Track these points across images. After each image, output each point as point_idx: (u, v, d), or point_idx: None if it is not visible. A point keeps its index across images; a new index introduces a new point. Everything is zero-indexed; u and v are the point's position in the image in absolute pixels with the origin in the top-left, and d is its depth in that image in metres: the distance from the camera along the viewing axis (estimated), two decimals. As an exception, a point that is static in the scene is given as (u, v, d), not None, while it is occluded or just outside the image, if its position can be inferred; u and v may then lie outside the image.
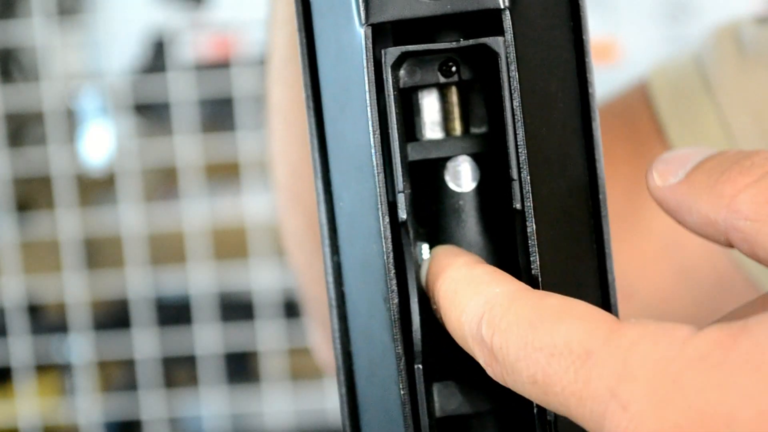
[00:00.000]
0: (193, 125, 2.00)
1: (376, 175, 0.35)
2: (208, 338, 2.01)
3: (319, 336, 0.74)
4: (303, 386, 2.04)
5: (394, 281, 0.35)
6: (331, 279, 0.40)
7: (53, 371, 2.13)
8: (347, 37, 0.36)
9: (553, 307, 0.32)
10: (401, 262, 0.36)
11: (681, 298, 0.62)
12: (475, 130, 0.39)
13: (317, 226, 0.65)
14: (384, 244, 0.35)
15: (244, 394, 2.07)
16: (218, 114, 2.07)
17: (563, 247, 0.38)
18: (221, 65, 2.05)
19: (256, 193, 2.03)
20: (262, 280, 2.03)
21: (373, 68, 0.35)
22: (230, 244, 2.03)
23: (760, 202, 0.33)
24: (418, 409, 0.36)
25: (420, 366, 0.36)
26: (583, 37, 0.38)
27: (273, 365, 2.04)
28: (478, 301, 0.34)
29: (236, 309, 2.06)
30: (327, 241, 0.40)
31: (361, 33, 0.35)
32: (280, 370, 2.05)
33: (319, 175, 0.40)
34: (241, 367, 2.08)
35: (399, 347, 0.36)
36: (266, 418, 2.10)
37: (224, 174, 2.10)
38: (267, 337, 2.02)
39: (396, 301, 0.36)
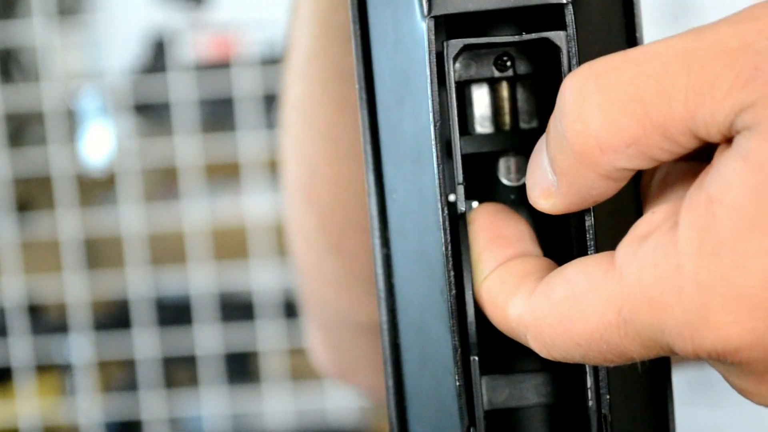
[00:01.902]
0: (194, 125, 2.00)
1: (436, 167, 0.35)
2: (208, 338, 2.01)
3: (316, 338, 0.74)
4: (303, 386, 2.04)
5: (452, 273, 0.36)
6: (380, 271, 0.40)
7: (53, 371, 2.13)
8: (406, 29, 0.36)
9: None
10: (458, 254, 0.36)
11: None
12: (524, 125, 0.39)
13: (331, 225, 0.65)
14: (443, 235, 0.35)
15: (245, 394, 2.07)
16: (218, 114, 2.07)
17: (614, 241, 0.38)
18: (221, 65, 2.04)
19: (257, 193, 2.03)
20: (262, 280, 2.03)
21: (435, 61, 0.35)
22: (230, 245, 2.03)
23: None
24: (473, 401, 0.36)
25: (476, 357, 0.36)
26: (636, 35, 0.38)
27: (273, 365, 2.04)
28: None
29: (236, 309, 2.06)
30: (377, 233, 0.40)
31: (423, 25, 0.35)
32: (280, 370, 2.04)
33: (371, 167, 0.40)
34: (241, 367, 2.08)
35: (456, 339, 0.36)
36: (266, 418, 2.10)
37: (224, 174, 2.10)
38: (267, 337, 2.02)
39: (454, 292, 0.36)
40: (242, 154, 2.01)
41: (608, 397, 0.36)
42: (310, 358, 0.76)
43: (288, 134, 0.66)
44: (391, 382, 0.40)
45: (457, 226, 0.36)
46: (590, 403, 0.36)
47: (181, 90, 1.99)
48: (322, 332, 0.72)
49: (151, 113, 2.11)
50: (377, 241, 0.40)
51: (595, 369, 0.36)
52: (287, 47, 0.64)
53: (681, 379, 2.31)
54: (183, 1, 2.02)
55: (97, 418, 2.06)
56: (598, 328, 0.32)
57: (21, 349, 2.04)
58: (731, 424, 2.18)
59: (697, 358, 0.32)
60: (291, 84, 0.64)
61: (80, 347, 2.07)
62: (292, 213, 0.69)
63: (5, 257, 2.03)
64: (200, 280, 2.01)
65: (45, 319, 2.11)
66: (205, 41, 2.16)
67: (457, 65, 0.37)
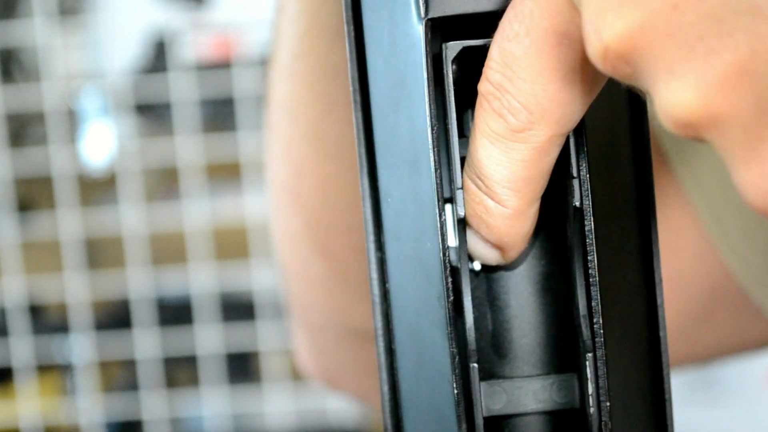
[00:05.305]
0: (194, 125, 2.00)
1: (434, 171, 0.35)
2: (209, 338, 2.01)
3: (302, 341, 0.73)
4: (304, 386, 2.04)
5: (450, 279, 0.35)
6: (375, 276, 0.39)
7: (54, 371, 2.13)
8: (403, 31, 0.36)
9: None
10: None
11: (675, 305, 0.61)
12: None
13: (317, 226, 0.64)
14: (440, 241, 0.35)
15: (245, 394, 2.07)
16: (219, 114, 2.06)
17: (613, 246, 0.38)
18: (222, 65, 2.04)
19: (257, 193, 2.02)
20: (262, 280, 2.02)
21: (431, 63, 0.34)
22: (231, 245, 2.03)
23: None
24: (473, 409, 0.36)
25: (475, 365, 0.35)
26: None
27: (274, 365, 2.04)
28: None
29: (237, 309, 2.05)
30: (372, 238, 0.39)
31: (420, 27, 0.34)
32: (281, 370, 2.04)
33: (365, 170, 0.39)
34: (242, 367, 2.08)
35: (453, 346, 0.35)
36: (267, 418, 2.10)
37: (225, 174, 2.10)
38: (268, 337, 2.01)
39: (451, 299, 0.35)
40: (243, 154, 2.01)
41: (608, 404, 0.36)
42: (296, 361, 0.75)
43: (274, 133, 0.65)
44: (386, 389, 0.40)
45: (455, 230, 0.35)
46: (591, 410, 0.35)
47: (182, 90, 1.98)
48: (308, 335, 0.71)
49: (152, 113, 2.11)
50: (371, 245, 0.39)
51: (597, 376, 0.35)
52: (273, 45, 0.63)
53: (681, 379, 2.31)
54: (184, 2, 2.01)
55: (98, 418, 2.06)
56: None
57: (22, 349, 2.03)
58: (731, 424, 2.18)
59: (608, 56, 0.30)
60: (277, 82, 0.63)
61: (81, 347, 2.06)
62: (278, 214, 0.68)
63: (6, 257, 2.03)
64: (201, 280, 2.01)
65: (46, 319, 2.11)
66: (206, 41, 2.16)
67: (455, 66, 0.36)
